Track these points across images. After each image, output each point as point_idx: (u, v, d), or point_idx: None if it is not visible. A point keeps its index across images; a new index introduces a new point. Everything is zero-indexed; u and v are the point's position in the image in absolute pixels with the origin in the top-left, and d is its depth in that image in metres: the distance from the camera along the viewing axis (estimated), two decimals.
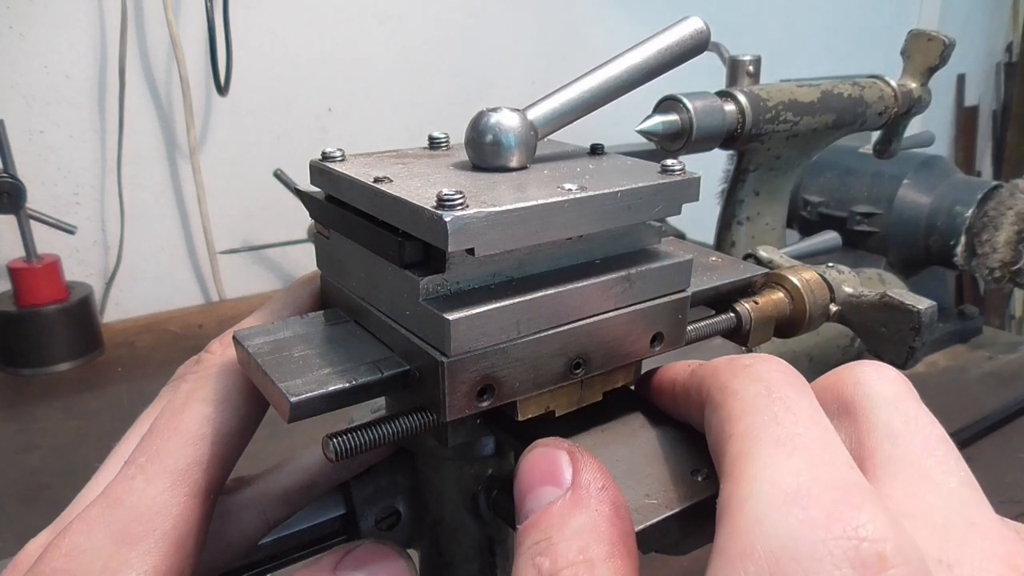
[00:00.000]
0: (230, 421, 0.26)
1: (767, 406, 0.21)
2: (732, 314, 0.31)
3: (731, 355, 0.24)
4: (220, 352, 0.28)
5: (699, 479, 0.24)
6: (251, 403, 0.27)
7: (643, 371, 0.29)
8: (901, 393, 0.23)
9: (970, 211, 0.92)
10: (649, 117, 0.49)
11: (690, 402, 0.25)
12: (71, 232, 1.04)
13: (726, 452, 0.20)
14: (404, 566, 0.24)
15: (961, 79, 2.52)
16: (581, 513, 0.20)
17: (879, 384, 0.23)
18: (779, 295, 0.32)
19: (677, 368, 0.27)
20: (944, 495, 0.19)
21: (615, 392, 0.28)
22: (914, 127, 0.71)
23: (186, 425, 0.25)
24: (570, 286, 0.25)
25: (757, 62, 0.57)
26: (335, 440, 0.26)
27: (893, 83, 0.61)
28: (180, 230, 1.23)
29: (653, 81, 0.31)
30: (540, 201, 0.23)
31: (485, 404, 0.24)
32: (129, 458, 0.25)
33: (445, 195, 0.22)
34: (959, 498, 0.19)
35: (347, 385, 0.24)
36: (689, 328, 0.29)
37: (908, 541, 0.16)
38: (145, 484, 0.24)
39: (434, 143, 0.31)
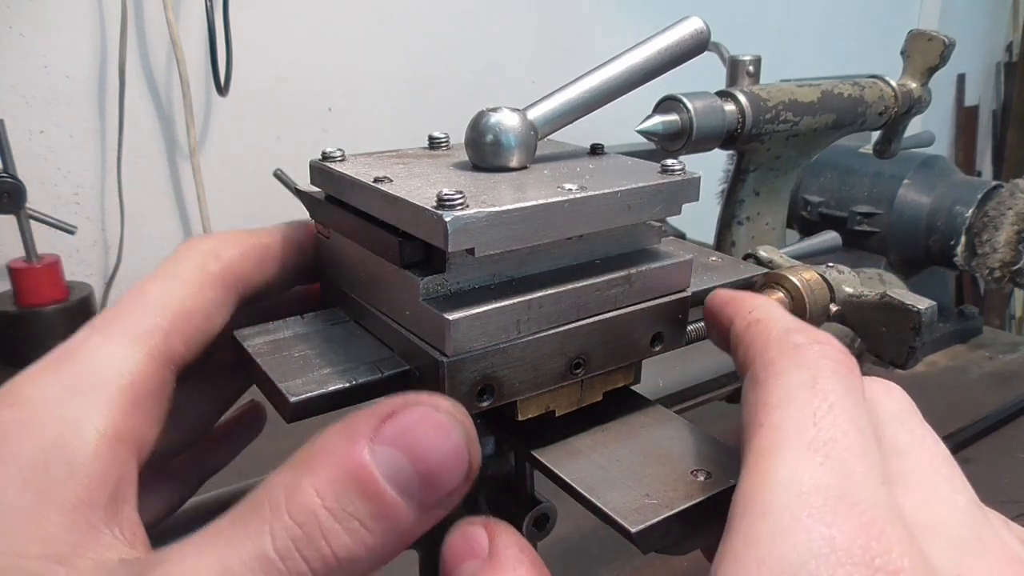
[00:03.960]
0: (194, 297, 0.25)
1: (807, 401, 0.20)
2: None
3: (788, 322, 0.23)
4: (196, 240, 0.27)
5: (699, 479, 0.24)
6: (218, 288, 0.26)
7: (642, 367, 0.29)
8: (907, 410, 0.23)
9: (970, 211, 0.92)
10: (649, 117, 0.49)
11: (736, 355, 0.24)
12: (71, 232, 1.04)
13: (753, 442, 0.20)
14: (460, 442, 0.20)
15: (961, 79, 2.52)
16: (501, 573, 0.20)
17: (887, 401, 0.23)
18: (779, 295, 0.32)
19: (739, 307, 0.25)
20: (954, 511, 0.19)
21: (615, 392, 0.28)
22: (914, 127, 0.71)
23: (147, 297, 0.24)
24: (570, 286, 0.25)
25: (757, 62, 0.57)
26: None
27: (893, 83, 0.61)
28: (180, 230, 1.23)
29: (653, 81, 0.31)
30: (540, 201, 0.23)
31: (485, 404, 0.24)
32: (86, 324, 0.24)
33: (445, 195, 0.22)
34: (968, 514, 0.20)
35: (347, 385, 0.24)
36: (689, 328, 0.29)
37: (922, 567, 0.17)
38: (101, 341, 0.23)
39: (434, 143, 0.31)
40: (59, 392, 0.21)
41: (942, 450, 0.22)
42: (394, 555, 0.19)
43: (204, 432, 0.30)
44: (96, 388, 0.21)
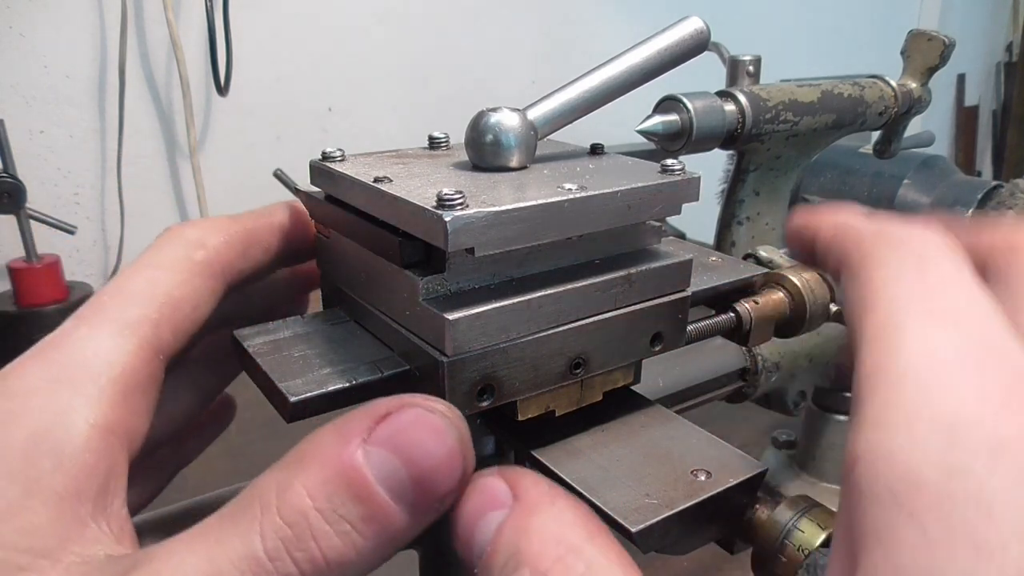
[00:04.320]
0: (181, 287, 0.24)
1: (918, 277, 0.18)
2: (732, 314, 0.31)
3: (878, 218, 0.21)
4: (178, 228, 0.27)
5: (699, 479, 0.24)
6: (203, 276, 0.25)
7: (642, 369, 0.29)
8: None
9: (970, 211, 0.92)
10: (649, 117, 0.49)
11: (828, 262, 0.23)
12: (71, 232, 1.04)
13: (867, 323, 0.18)
14: (455, 445, 0.19)
15: (961, 79, 2.52)
16: (538, 514, 0.19)
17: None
18: (779, 295, 0.32)
19: (823, 217, 0.24)
20: None
21: (615, 392, 0.28)
22: (914, 127, 0.71)
23: (133, 286, 0.24)
24: (570, 286, 0.25)
25: (757, 62, 0.57)
26: None
27: (893, 83, 0.61)
28: None
29: (653, 81, 0.31)
30: (540, 201, 0.23)
31: (485, 404, 0.24)
32: (72, 315, 0.23)
33: (445, 195, 0.22)
34: None
35: (347, 385, 0.24)
36: (689, 328, 0.29)
37: None
38: (89, 331, 0.22)
39: (434, 143, 0.31)
40: (47, 382, 0.21)
41: None
42: (385, 558, 0.19)
43: (187, 424, 0.30)
44: (85, 379, 0.21)
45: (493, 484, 0.20)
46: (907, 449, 0.15)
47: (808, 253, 0.24)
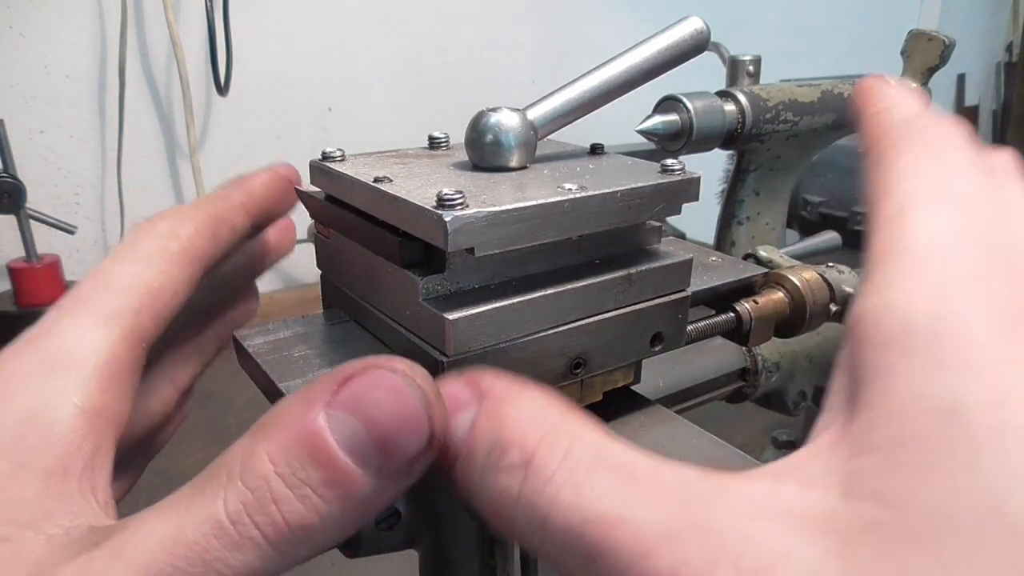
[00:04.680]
0: (159, 277, 0.25)
1: (938, 169, 0.20)
2: (732, 314, 0.31)
3: (914, 108, 0.23)
4: (148, 223, 0.27)
5: None
6: (180, 266, 0.26)
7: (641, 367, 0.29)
8: None
9: None
10: (649, 117, 0.49)
11: (864, 140, 0.24)
12: (71, 232, 1.04)
13: (882, 208, 0.20)
14: (417, 405, 0.19)
15: (961, 79, 2.52)
16: (510, 404, 0.19)
17: None
18: (779, 295, 0.32)
19: (874, 95, 0.25)
20: None
21: (615, 392, 0.28)
22: None
23: (113, 279, 0.24)
24: (570, 286, 0.25)
25: (757, 62, 0.57)
26: None
27: None
28: None
29: (653, 81, 0.31)
30: (540, 201, 0.23)
31: None
32: (53, 306, 0.24)
33: (445, 195, 0.22)
34: None
35: None
36: (689, 328, 0.29)
37: None
38: (73, 321, 0.23)
39: (434, 143, 0.31)
40: (37, 368, 0.22)
41: None
42: (356, 524, 0.19)
43: (165, 419, 0.31)
44: (73, 365, 0.22)
45: (455, 388, 0.20)
46: (903, 303, 0.17)
47: (857, 121, 0.26)
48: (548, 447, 0.18)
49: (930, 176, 0.20)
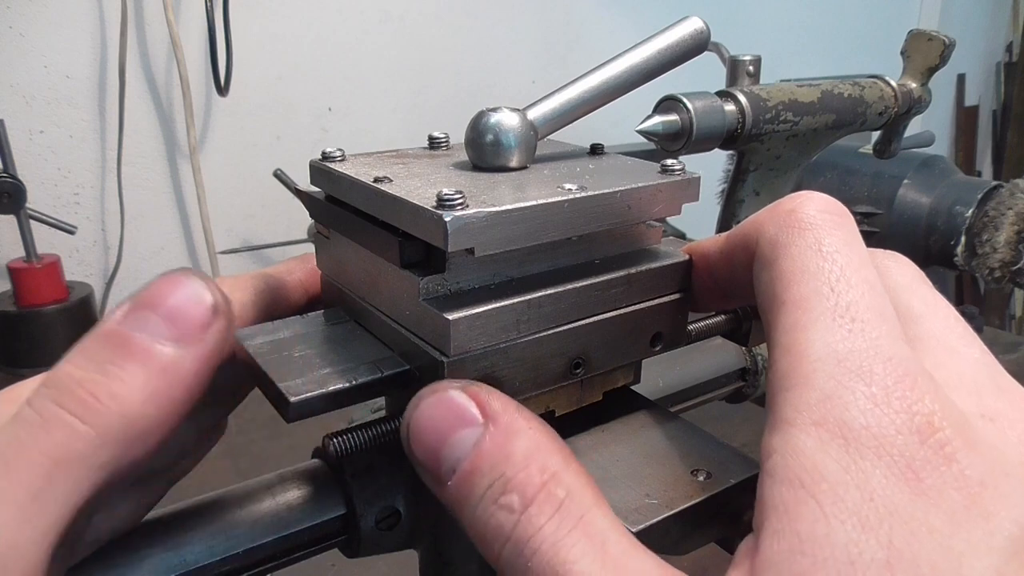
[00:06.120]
0: (71, 494, 0.19)
1: (819, 267, 0.21)
2: (732, 314, 0.31)
3: (776, 203, 0.24)
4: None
5: (699, 479, 0.24)
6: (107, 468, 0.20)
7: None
8: (916, 279, 0.24)
9: (970, 211, 0.92)
10: (649, 117, 0.49)
11: (734, 264, 0.25)
12: (71, 232, 1.04)
13: (779, 321, 0.21)
14: (197, 286, 0.21)
15: (961, 79, 2.52)
16: (517, 437, 0.20)
17: (896, 271, 0.24)
18: None
19: (705, 244, 0.27)
20: (970, 364, 0.21)
21: (615, 392, 0.28)
22: (914, 127, 0.71)
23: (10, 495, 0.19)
24: (570, 286, 0.25)
25: (757, 62, 0.57)
26: (335, 440, 0.26)
27: (893, 83, 0.61)
28: (180, 230, 1.23)
29: (653, 81, 0.31)
30: (540, 201, 0.23)
31: None
32: None
33: (445, 195, 0.22)
34: (983, 364, 0.21)
35: (347, 385, 0.24)
36: (689, 328, 0.29)
37: (951, 408, 0.19)
38: None
39: (434, 143, 0.31)
40: None
41: (953, 313, 0.23)
42: (186, 399, 0.20)
43: (184, 455, 0.29)
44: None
45: (460, 401, 0.21)
46: (812, 447, 0.18)
47: (707, 277, 0.27)
48: (546, 496, 0.19)
49: (815, 280, 0.21)
